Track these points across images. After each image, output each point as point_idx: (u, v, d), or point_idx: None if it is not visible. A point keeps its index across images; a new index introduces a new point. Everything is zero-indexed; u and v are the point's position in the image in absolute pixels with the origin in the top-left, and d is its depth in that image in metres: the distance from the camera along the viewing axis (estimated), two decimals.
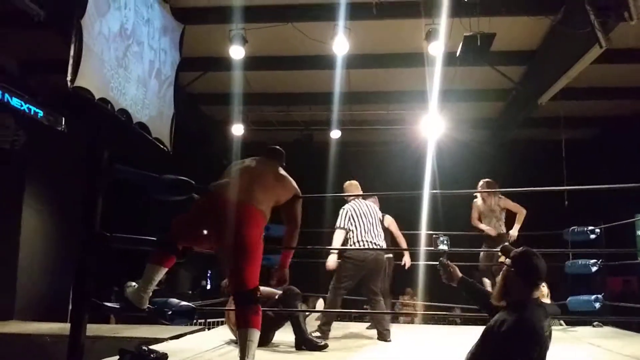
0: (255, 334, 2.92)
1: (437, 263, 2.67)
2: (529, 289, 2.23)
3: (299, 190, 3.43)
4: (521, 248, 2.35)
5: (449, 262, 2.62)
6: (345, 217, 4.79)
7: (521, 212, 5.83)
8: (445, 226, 6.23)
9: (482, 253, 5.86)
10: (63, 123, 6.87)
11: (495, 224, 5.85)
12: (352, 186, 5.21)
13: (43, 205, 7.35)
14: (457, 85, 8.09)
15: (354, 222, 4.77)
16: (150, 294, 3.16)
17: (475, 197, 6.11)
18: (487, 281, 5.70)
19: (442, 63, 6.75)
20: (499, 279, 2.36)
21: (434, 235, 5.66)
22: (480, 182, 5.93)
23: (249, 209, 3.06)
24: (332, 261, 4.78)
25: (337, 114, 8.96)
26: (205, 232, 3.12)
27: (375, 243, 4.74)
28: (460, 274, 2.59)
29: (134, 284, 3.22)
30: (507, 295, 2.26)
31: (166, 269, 3.24)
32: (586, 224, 5.55)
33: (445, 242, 5.46)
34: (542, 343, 2.11)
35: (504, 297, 2.28)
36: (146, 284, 3.13)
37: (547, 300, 5.86)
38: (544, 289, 5.92)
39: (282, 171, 3.44)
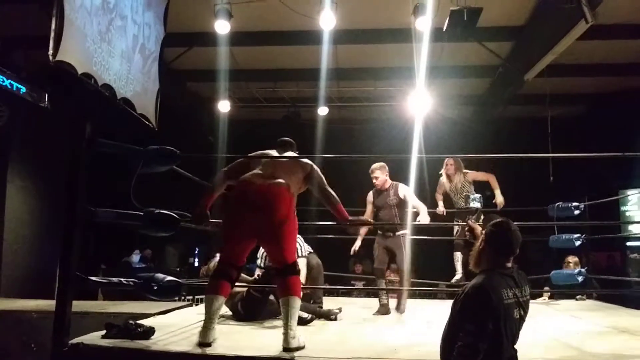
0: (298, 301, 3.17)
1: (424, 237, 2.73)
2: (498, 259, 2.30)
3: (313, 165, 3.53)
4: (496, 219, 2.43)
5: (474, 222, 2.68)
6: None
7: (491, 178, 5.96)
8: (431, 204, 6.24)
9: (457, 227, 5.90)
10: (46, 99, 6.78)
11: (466, 201, 5.77)
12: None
13: (27, 182, 7.28)
14: (445, 62, 8.07)
15: None
16: (215, 326, 3.19)
17: (441, 174, 6.17)
18: (458, 254, 5.81)
19: (430, 39, 6.70)
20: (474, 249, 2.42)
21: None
22: (447, 161, 6.00)
23: (275, 188, 3.26)
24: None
25: (325, 90, 8.91)
26: (244, 226, 3.25)
27: None
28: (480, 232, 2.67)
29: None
30: (478, 265, 2.34)
31: (225, 298, 3.32)
32: (571, 200, 5.62)
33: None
34: (499, 311, 2.13)
35: (476, 266, 2.35)
36: (210, 317, 3.17)
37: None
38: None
39: (295, 155, 3.60)
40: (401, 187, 5.09)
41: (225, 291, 3.26)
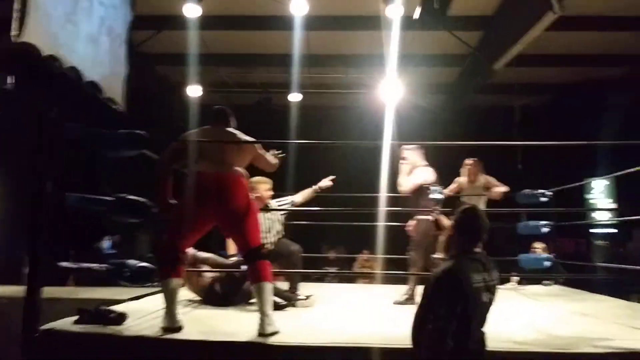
0: (269, 286, 3.19)
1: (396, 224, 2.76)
2: (467, 244, 2.36)
3: (250, 138, 3.53)
4: (463, 207, 2.53)
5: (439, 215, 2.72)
6: None
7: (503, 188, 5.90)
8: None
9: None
10: (10, 82, 6.55)
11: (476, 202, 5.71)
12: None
13: None
14: (415, 50, 8.11)
15: None
16: (178, 310, 3.16)
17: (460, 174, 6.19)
18: None
19: (400, 27, 6.73)
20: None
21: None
22: (467, 161, 5.86)
23: (230, 176, 3.27)
24: None
25: (296, 76, 8.87)
26: (200, 216, 3.23)
27: None
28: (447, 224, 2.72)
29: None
30: (448, 250, 2.43)
31: (181, 279, 3.28)
32: (538, 188, 5.75)
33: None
34: (468, 295, 2.19)
35: (446, 252, 2.44)
36: (170, 302, 3.13)
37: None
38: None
39: (234, 131, 3.52)
40: (417, 170, 5.02)
41: (176, 274, 3.23)
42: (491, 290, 2.32)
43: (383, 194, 5.09)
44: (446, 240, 2.46)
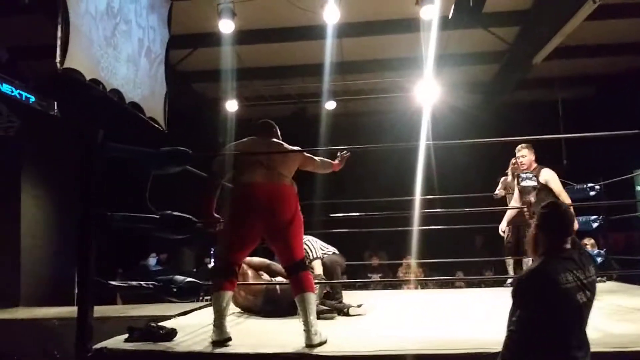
0: (312, 297, 3.19)
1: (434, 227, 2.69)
2: (554, 242, 2.22)
3: (299, 149, 3.55)
4: (546, 203, 2.37)
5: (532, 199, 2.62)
6: None
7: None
8: (440, 192, 6.24)
9: (507, 232, 5.67)
10: (55, 107, 6.81)
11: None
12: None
13: (41, 190, 7.33)
14: (451, 50, 8.00)
15: None
16: (226, 322, 3.20)
17: (506, 174, 6.04)
18: (510, 260, 5.70)
19: (436, 27, 6.67)
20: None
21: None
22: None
23: (282, 188, 3.29)
24: None
25: (331, 84, 8.89)
26: (251, 228, 3.24)
27: None
28: None
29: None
30: (536, 250, 2.28)
31: (232, 293, 3.33)
32: (585, 182, 5.56)
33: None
34: (554, 297, 2.07)
35: (534, 252, 2.29)
36: (219, 314, 3.17)
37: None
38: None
39: (280, 141, 3.55)
40: (544, 171, 4.85)
41: (230, 287, 3.26)
42: (588, 288, 2.14)
43: (418, 196, 5.00)
44: (532, 240, 2.28)
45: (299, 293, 3.15)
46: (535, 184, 4.66)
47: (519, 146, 4.98)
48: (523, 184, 4.67)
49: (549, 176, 4.79)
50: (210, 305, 3.32)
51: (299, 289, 3.17)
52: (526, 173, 4.75)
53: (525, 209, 2.86)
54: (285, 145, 3.51)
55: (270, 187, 3.24)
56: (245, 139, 3.53)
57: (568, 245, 2.22)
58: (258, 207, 3.20)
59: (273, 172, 3.28)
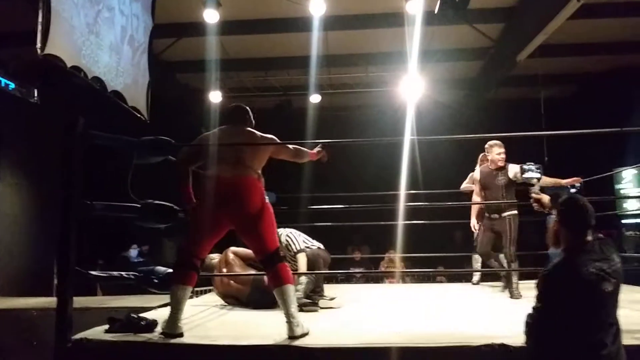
0: (291, 288, 3.14)
1: (418, 222, 2.68)
2: (576, 236, 2.24)
3: (274, 138, 3.44)
4: (563, 197, 2.38)
5: (539, 193, 2.63)
6: None
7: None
8: (425, 186, 6.27)
9: (475, 232, 5.60)
10: (36, 94, 6.69)
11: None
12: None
13: (20, 179, 7.20)
14: (436, 45, 8.04)
15: None
16: (181, 318, 3.13)
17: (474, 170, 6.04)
18: (477, 256, 5.62)
19: (421, 22, 6.67)
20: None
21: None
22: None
23: (248, 181, 3.22)
24: None
25: (316, 77, 8.86)
26: (217, 222, 3.20)
27: None
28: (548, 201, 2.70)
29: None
30: (557, 244, 2.31)
31: (192, 287, 3.25)
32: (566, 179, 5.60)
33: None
34: (577, 290, 2.10)
35: (555, 246, 2.34)
36: (177, 308, 3.10)
37: None
38: None
39: (252, 130, 3.42)
40: (511, 167, 4.89)
41: (189, 282, 3.17)
42: (613, 277, 2.18)
43: (402, 191, 5.01)
44: (553, 234, 2.32)
45: (278, 285, 3.12)
46: (539, 175, 4.58)
47: (493, 142, 4.96)
48: (526, 175, 4.63)
49: (517, 170, 4.80)
50: (190, 298, 3.29)
51: (277, 281, 3.13)
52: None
53: (533, 201, 2.85)
54: (258, 134, 3.39)
55: (235, 180, 3.18)
56: (215, 130, 3.43)
57: (589, 238, 2.24)
58: (223, 202, 3.14)
59: (240, 165, 3.21)
